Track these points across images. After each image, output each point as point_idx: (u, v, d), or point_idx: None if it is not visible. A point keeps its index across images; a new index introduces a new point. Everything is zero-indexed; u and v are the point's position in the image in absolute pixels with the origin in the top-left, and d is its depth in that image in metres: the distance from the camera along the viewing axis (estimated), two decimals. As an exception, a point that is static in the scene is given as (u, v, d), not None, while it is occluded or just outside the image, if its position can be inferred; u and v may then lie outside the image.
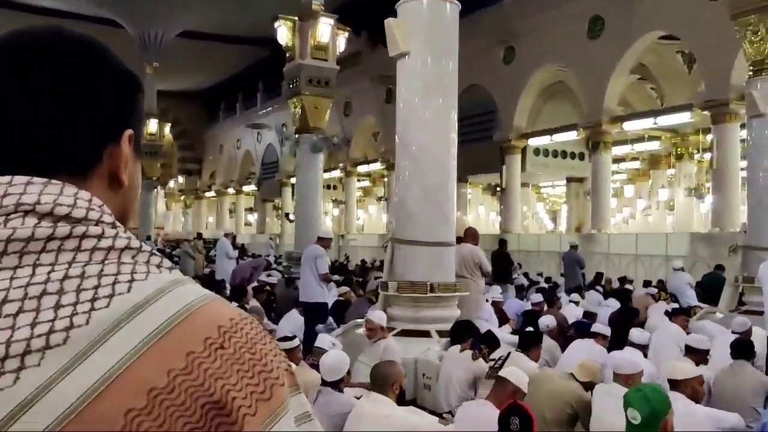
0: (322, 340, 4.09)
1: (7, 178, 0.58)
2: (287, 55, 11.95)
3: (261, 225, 30.04)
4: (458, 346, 4.54)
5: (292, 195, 28.64)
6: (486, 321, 5.65)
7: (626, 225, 22.05)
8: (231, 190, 32.17)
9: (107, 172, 0.65)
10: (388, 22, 5.50)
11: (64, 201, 0.58)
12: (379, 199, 24.99)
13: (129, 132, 0.66)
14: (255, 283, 9.44)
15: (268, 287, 9.37)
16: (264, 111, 28.70)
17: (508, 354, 4.08)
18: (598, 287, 10.87)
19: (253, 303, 7.44)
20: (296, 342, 4.06)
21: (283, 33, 11.72)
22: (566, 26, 15.75)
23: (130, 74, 0.71)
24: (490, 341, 4.56)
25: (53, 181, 0.59)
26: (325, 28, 11.64)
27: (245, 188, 31.21)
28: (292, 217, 27.51)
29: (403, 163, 5.62)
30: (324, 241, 7.02)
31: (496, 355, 4.33)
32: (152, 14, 19.94)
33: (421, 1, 5.49)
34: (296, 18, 11.71)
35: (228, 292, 8.64)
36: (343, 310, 7.68)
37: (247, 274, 9.87)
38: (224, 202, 33.54)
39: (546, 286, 11.95)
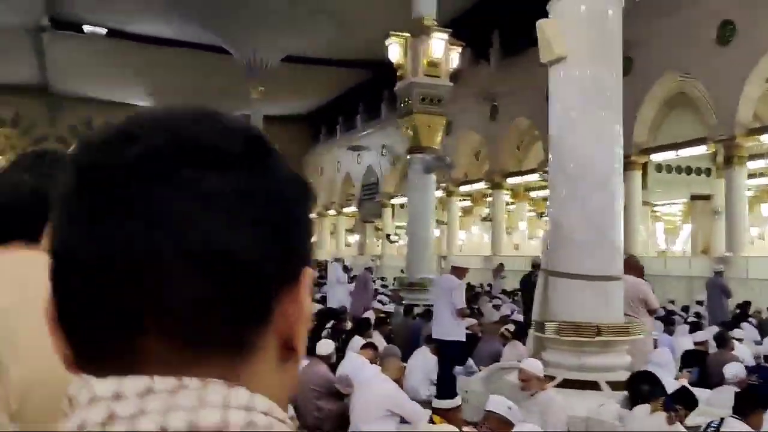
0: (496, 403, 3.38)
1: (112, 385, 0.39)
2: (398, 74, 11.47)
3: (361, 246, 29.84)
4: (646, 406, 3.74)
5: (393, 216, 28.56)
6: (661, 368, 4.80)
7: (752, 246, 20.25)
8: (331, 212, 32.23)
9: (277, 339, 0.44)
10: (540, 23, 4.83)
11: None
12: (484, 219, 24.19)
13: (309, 271, 0.45)
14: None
15: (384, 316, 8.81)
16: (364, 133, 28.59)
17: (721, 420, 3.26)
18: (751, 319, 9.67)
19: (378, 337, 6.86)
20: (458, 401, 3.39)
21: (395, 50, 11.28)
22: (691, 32, 14.54)
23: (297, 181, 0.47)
24: (686, 400, 3.74)
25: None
26: (438, 44, 11.12)
27: (345, 209, 31.17)
28: (393, 238, 27.31)
29: (559, 182, 4.90)
30: (459, 271, 6.35)
31: (698, 419, 3.51)
32: (257, 40, 20.16)
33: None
34: (408, 35, 11.25)
35: (349, 323, 8.13)
36: (470, 346, 6.99)
37: (369, 304, 9.37)
38: (325, 223, 33.64)
39: (685, 316, 10.83)
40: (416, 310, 9.33)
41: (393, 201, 27.10)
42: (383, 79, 26.93)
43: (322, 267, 22.79)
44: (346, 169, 30.65)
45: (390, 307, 9.45)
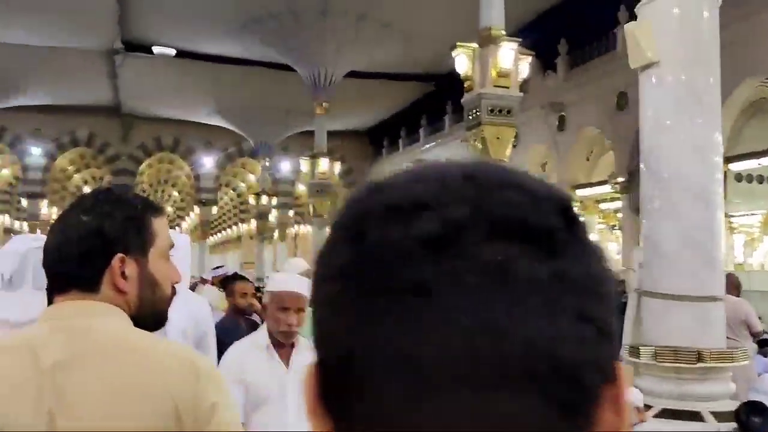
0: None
1: None
2: (465, 85, 11.25)
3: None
4: (762, 442, 3.38)
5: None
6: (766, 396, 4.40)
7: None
8: (395, 227, 32.07)
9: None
10: (629, 28, 4.55)
11: None
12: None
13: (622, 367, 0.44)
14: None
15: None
16: (427, 146, 28.44)
17: None
18: None
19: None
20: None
21: (462, 62, 11.06)
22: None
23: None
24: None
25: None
26: (507, 54, 10.84)
27: (408, 224, 30.93)
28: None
29: (652, 195, 4.57)
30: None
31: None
32: (323, 57, 20.29)
33: (671, 1, 4.47)
34: (475, 45, 11.02)
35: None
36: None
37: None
38: (388, 238, 33.53)
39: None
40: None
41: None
42: (446, 91, 26.79)
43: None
44: (409, 182, 30.48)
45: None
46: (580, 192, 20.45)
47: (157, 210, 1.26)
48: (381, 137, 34.05)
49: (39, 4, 18.60)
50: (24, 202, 31.97)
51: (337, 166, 22.95)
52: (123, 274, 1.16)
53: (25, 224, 33.83)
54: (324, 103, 20.84)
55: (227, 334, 3.81)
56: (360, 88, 25.28)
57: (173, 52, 23.97)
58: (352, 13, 18.90)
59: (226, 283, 5.99)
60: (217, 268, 6.99)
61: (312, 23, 19.16)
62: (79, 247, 1.15)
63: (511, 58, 10.85)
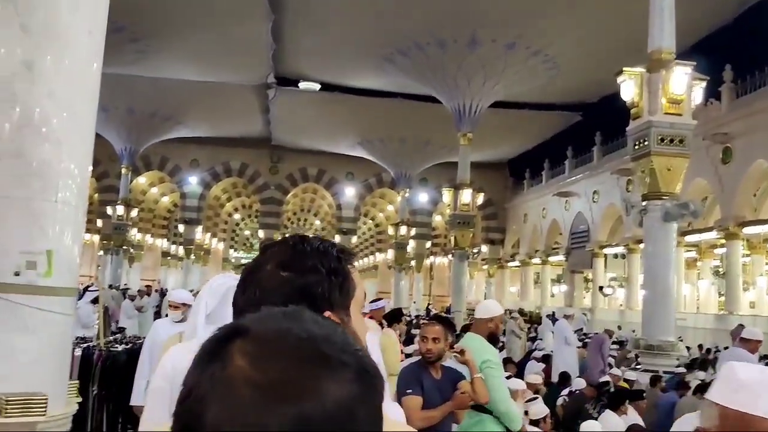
0: None
1: None
2: (633, 113, 10.48)
3: (569, 298, 28.21)
4: None
5: (605, 266, 26.73)
6: None
7: None
8: (536, 260, 31.00)
9: None
10: None
11: None
12: (717, 273, 21.74)
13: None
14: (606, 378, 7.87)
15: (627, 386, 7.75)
16: (573, 178, 27.31)
17: None
18: None
19: (632, 414, 5.90)
20: None
21: (628, 87, 10.32)
22: None
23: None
24: None
25: None
26: (680, 78, 10.00)
27: (551, 258, 29.77)
28: (607, 290, 25.51)
29: None
30: (750, 344, 5.26)
31: None
32: (467, 88, 20.07)
33: None
34: (643, 70, 10.27)
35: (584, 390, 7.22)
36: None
37: (605, 369, 8.37)
38: (528, 272, 32.46)
39: None
40: (663, 380, 8.16)
41: (605, 250, 25.38)
42: (595, 121, 25.71)
43: (534, 320, 21.78)
44: (552, 215, 29.42)
45: (631, 375, 8.33)
46: (747, 230, 18.68)
47: (351, 258, 1.16)
48: (522, 169, 33.22)
49: (201, 43, 19.81)
50: (181, 228, 34.08)
51: (480, 198, 22.50)
52: None
53: (180, 248, 36.05)
54: (468, 134, 20.54)
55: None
56: (503, 119, 24.79)
57: (317, 86, 24.72)
58: (501, 42, 18.56)
59: (393, 319, 5.70)
60: (376, 300, 6.64)
61: (459, 54, 18.99)
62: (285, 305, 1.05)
63: (684, 83, 9.99)
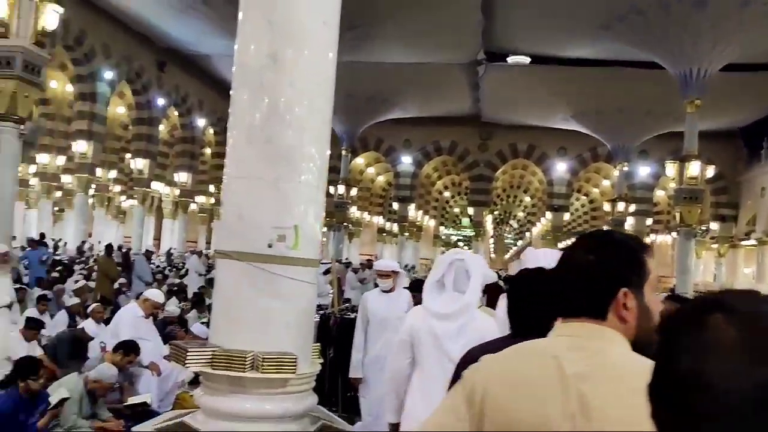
0: None
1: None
2: None
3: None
4: None
5: None
6: None
7: None
8: (771, 239, 27.80)
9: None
10: None
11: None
12: None
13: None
14: None
15: None
16: (824, 147, 23.95)
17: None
18: None
19: None
20: None
21: None
22: None
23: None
24: None
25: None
26: None
27: (794, 237, 26.48)
28: None
29: None
30: None
31: None
32: (694, 52, 18.38)
33: None
34: None
35: None
36: None
37: None
38: (765, 252, 29.21)
39: None
40: None
41: None
42: None
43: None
44: (798, 189, 26.09)
45: None
46: None
47: (648, 249, 1.40)
48: (759, 137, 29.75)
49: (413, 26, 20.31)
50: (395, 206, 35.54)
51: (710, 170, 20.63)
52: (625, 306, 1.32)
53: (395, 225, 37.64)
54: (696, 101, 18.86)
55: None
56: (736, 83, 22.38)
57: (527, 60, 24.16)
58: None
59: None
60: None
61: (686, 16, 17.45)
62: (589, 282, 1.34)
63: None
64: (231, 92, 3.97)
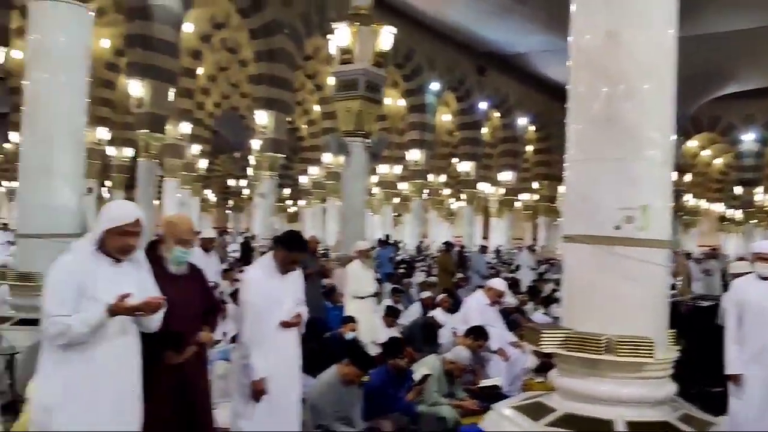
0: None
1: None
2: None
3: None
4: None
5: None
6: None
7: None
8: None
9: None
10: None
11: None
12: None
13: None
14: None
15: None
16: None
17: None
18: None
19: None
20: None
21: None
22: None
23: None
24: None
25: None
26: None
27: None
28: None
29: None
30: None
31: None
32: None
33: None
34: None
35: None
36: None
37: None
38: None
39: None
40: None
41: None
42: None
43: None
44: None
45: None
46: None
47: None
48: None
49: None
50: (737, 190, 31.81)
51: None
52: None
53: (738, 212, 33.70)
54: None
55: None
56: None
57: None
58: None
59: None
60: None
61: None
62: None
63: None
64: (569, 76, 4.01)
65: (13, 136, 21.74)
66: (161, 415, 3.31)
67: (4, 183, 36.12)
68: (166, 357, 3.40)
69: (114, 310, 2.86)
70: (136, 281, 3.06)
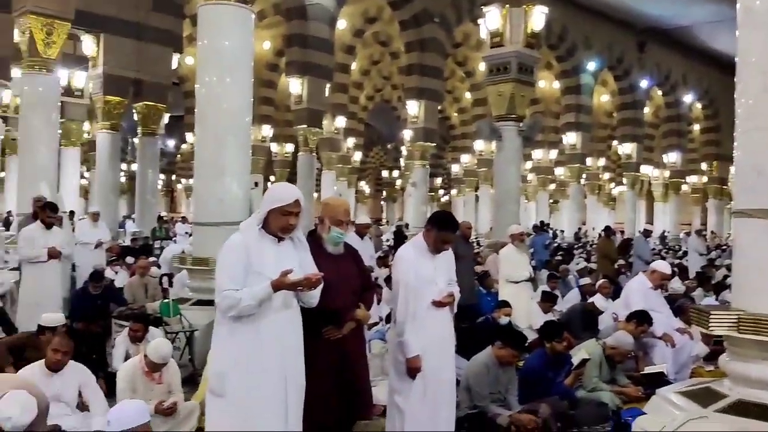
0: None
1: None
2: None
3: None
4: None
5: None
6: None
7: None
8: None
9: None
10: None
11: None
12: None
13: None
14: None
15: None
16: None
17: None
18: None
19: None
20: None
21: None
22: None
23: None
24: None
25: None
26: None
27: None
28: None
29: None
30: None
31: None
32: None
33: None
34: None
35: None
36: None
37: None
38: None
39: None
40: None
41: None
42: None
43: None
44: None
45: None
46: None
47: None
48: None
49: None
50: None
51: None
52: None
53: None
54: None
55: None
56: None
57: None
58: None
59: None
60: None
61: None
62: None
63: None
64: (736, 36, 3.70)
65: (189, 137, 23.77)
66: (322, 391, 3.48)
67: (183, 180, 39.42)
68: (326, 332, 3.58)
69: (277, 285, 3.06)
70: (297, 259, 3.25)
